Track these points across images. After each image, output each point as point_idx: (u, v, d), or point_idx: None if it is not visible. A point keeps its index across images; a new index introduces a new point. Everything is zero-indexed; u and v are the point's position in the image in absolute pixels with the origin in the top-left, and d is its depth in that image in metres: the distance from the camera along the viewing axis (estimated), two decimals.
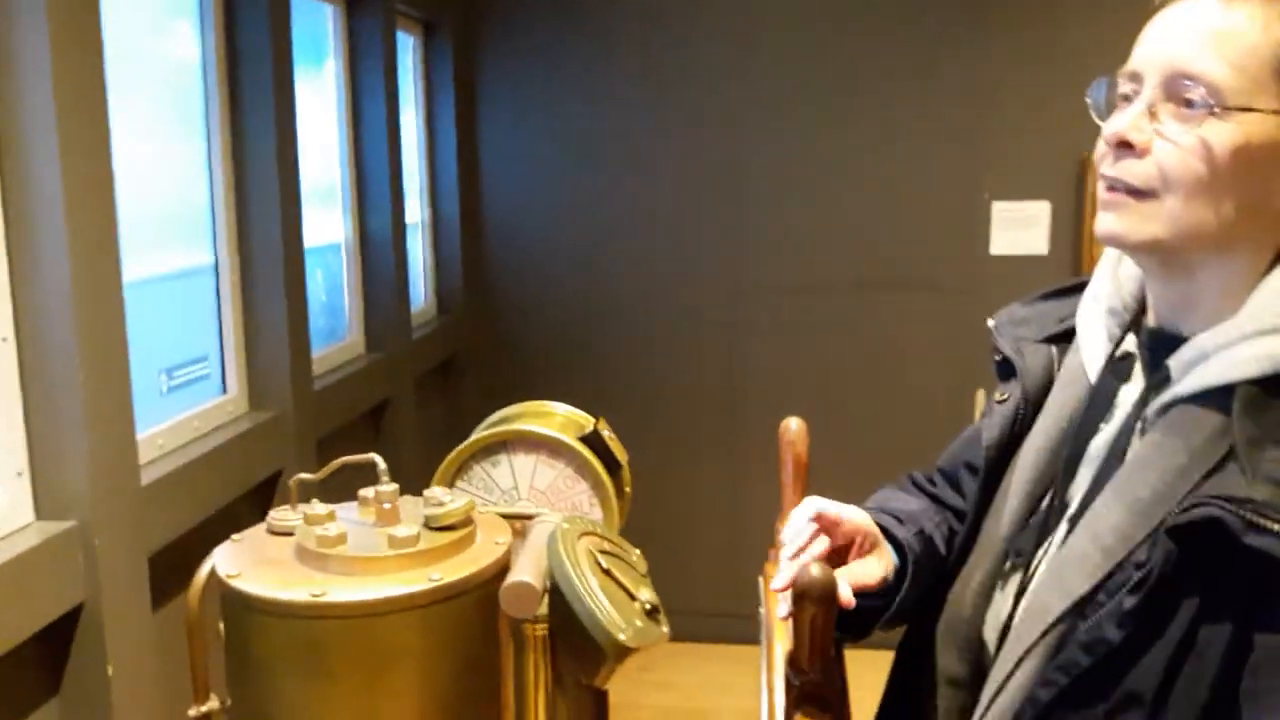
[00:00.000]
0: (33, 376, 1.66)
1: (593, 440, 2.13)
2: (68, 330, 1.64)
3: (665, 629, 1.36)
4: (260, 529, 1.40)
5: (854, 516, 1.17)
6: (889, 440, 3.14)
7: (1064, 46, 3.15)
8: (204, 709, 1.23)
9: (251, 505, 2.31)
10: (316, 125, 3.06)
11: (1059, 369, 1.13)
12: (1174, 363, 0.99)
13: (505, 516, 1.51)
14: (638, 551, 1.48)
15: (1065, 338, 1.15)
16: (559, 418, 2.30)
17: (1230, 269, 0.97)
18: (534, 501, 2.15)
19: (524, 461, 2.17)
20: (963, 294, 3.49)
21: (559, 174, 3.79)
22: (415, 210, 3.77)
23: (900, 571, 1.16)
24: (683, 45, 3.60)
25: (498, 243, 3.86)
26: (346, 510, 1.38)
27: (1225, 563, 0.86)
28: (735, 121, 3.59)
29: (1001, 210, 3.49)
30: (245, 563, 1.25)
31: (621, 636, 1.26)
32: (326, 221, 3.17)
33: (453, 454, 2.17)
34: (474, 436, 2.24)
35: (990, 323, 1.24)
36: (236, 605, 1.19)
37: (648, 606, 1.32)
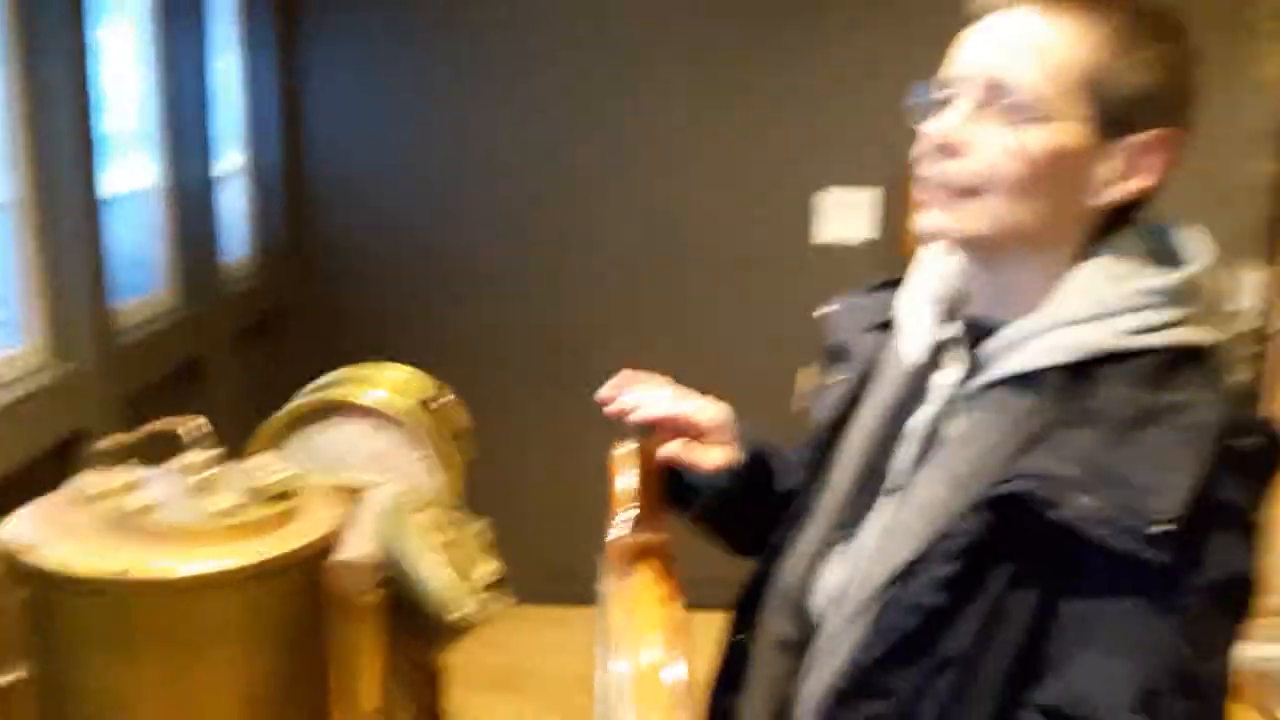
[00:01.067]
0: None
1: (431, 405, 2.07)
2: None
3: (507, 600, 1.33)
4: (62, 495, 1.28)
5: (707, 409, 1.28)
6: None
7: (890, 37, 3.22)
8: (3, 681, 1.11)
9: (51, 468, 2.12)
10: (122, 62, 2.83)
11: (884, 355, 1.18)
12: (990, 349, 1.04)
13: (337, 487, 1.44)
14: (481, 522, 1.43)
15: (891, 326, 1.19)
16: (393, 381, 2.20)
17: (1042, 263, 1.02)
18: (366, 470, 2.06)
19: (354, 428, 2.07)
20: (788, 279, 3.56)
21: (391, 117, 3.60)
22: (235, 157, 3.55)
23: (735, 472, 1.26)
24: (525, 23, 3.50)
25: (325, 190, 3.65)
26: (161, 477, 1.28)
27: (1033, 534, 0.92)
28: (570, 75, 3.51)
29: (827, 198, 3.56)
30: (45, 532, 1.14)
31: (461, 613, 1.22)
32: (132, 167, 2.93)
33: (276, 418, 2.05)
34: (300, 400, 2.13)
35: (823, 310, 1.28)
36: (35, 578, 1.09)
37: (489, 579, 1.29)
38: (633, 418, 1.24)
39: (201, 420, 1.26)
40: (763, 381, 3.30)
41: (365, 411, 1.84)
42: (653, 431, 1.24)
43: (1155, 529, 0.85)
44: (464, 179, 3.56)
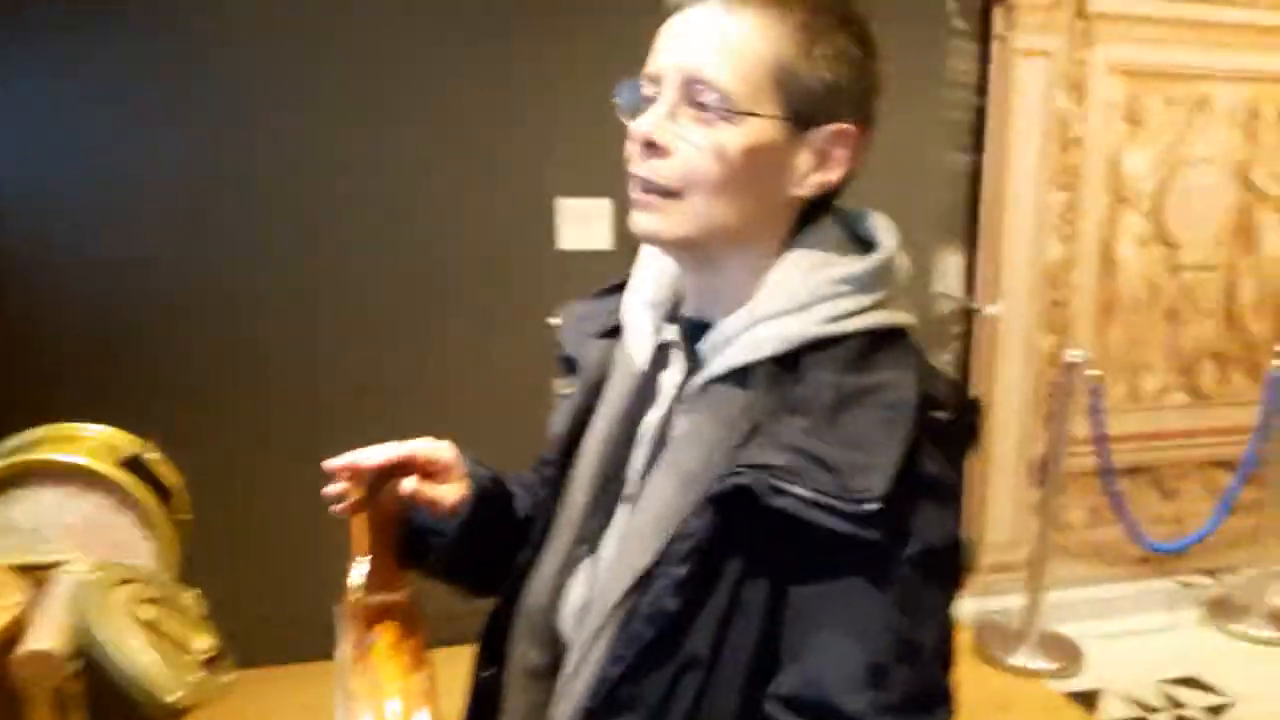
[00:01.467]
0: None
1: (136, 465, 1.87)
2: None
3: (229, 677, 1.20)
4: None
5: (438, 448, 1.20)
6: (476, 437, 3.04)
7: (621, 47, 3.26)
8: None
9: None
10: None
11: (616, 361, 1.18)
12: (704, 347, 1.07)
13: (20, 568, 1.25)
14: (193, 592, 1.29)
15: (619, 331, 1.20)
16: (91, 441, 1.98)
17: (749, 260, 1.05)
18: (68, 541, 1.84)
19: (48, 496, 1.84)
20: (534, 288, 3.52)
21: (82, 146, 3.24)
22: None
23: (471, 504, 1.20)
24: (226, 28, 3.26)
25: (17, 236, 3.24)
26: None
27: (759, 526, 0.94)
28: (294, 103, 3.31)
29: (567, 207, 3.56)
30: None
31: (171, 698, 1.09)
32: None
33: None
34: None
35: (553, 320, 1.28)
36: None
37: (204, 656, 1.16)
38: (364, 465, 1.14)
39: None
40: (514, 395, 3.24)
41: (61, 475, 1.64)
42: (384, 481, 1.16)
43: (866, 508, 0.89)
44: (166, 215, 3.26)
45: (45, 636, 0.99)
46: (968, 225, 3.88)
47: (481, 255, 3.53)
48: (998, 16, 3.68)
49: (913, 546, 0.93)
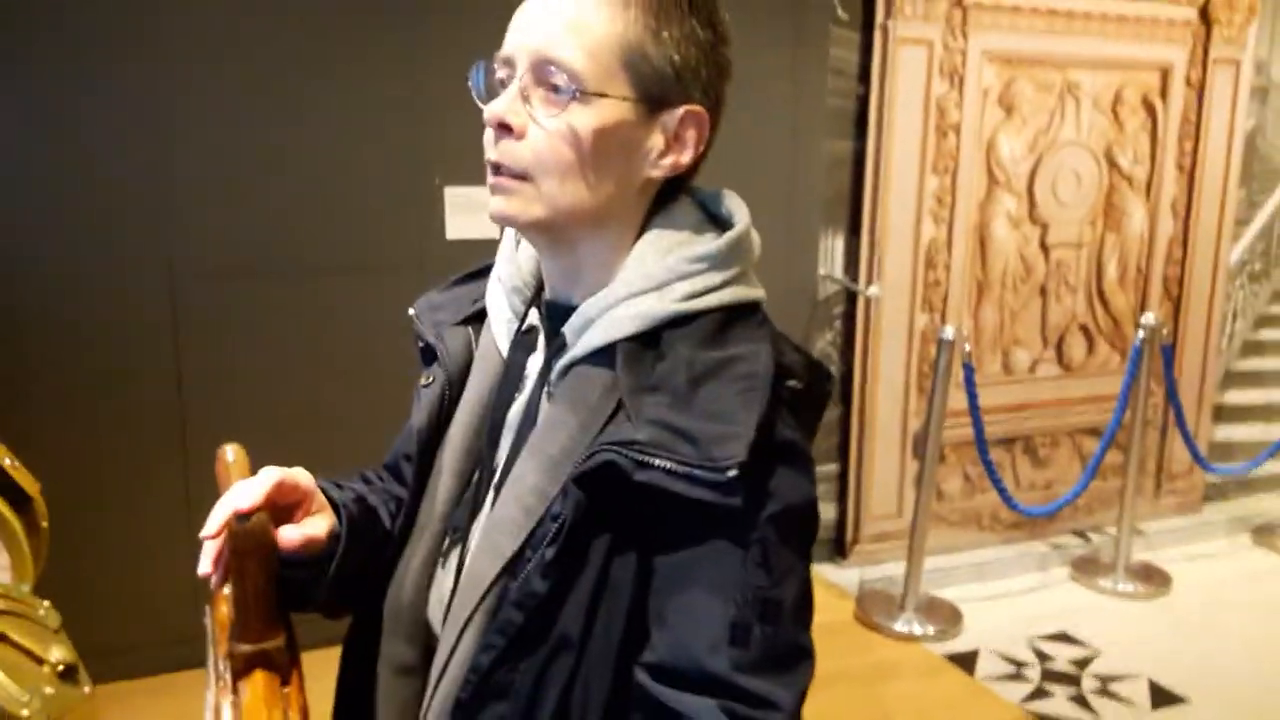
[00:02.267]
0: None
1: None
2: None
3: (86, 688, 1.17)
4: None
5: (298, 474, 1.11)
6: (349, 431, 3.00)
7: (500, 30, 3.24)
8: None
9: None
10: None
11: (477, 349, 1.18)
12: (567, 330, 1.07)
13: None
14: (45, 604, 1.25)
15: (480, 318, 1.20)
16: None
17: (607, 242, 1.06)
18: None
19: None
20: (421, 278, 3.45)
21: None
22: None
23: (338, 535, 1.13)
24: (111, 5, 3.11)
25: None
26: None
27: (624, 502, 0.95)
28: (165, 92, 3.17)
29: (454, 195, 3.52)
30: None
31: (24, 712, 1.06)
32: None
33: None
34: None
35: (411, 311, 1.27)
36: None
37: (60, 668, 1.13)
38: (242, 511, 1.02)
39: None
40: (401, 390, 3.20)
41: None
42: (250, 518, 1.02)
43: (729, 475, 0.90)
44: (34, 207, 3.11)
45: None
46: (852, 210, 3.97)
47: (368, 243, 3.46)
48: (879, 6, 3.75)
49: (771, 508, 0.95)
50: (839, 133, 3.87)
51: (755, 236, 1.11)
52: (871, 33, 3.79)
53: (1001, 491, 3.98)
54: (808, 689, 0.98)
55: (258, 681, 1.03)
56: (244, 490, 1.04)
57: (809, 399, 1.06)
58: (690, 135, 1.04)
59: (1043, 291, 4.31)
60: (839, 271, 4.00)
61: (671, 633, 0.95)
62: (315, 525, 1.11)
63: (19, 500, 1.60)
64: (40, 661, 1.05)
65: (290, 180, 3.32)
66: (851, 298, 4.03)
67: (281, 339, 3.36)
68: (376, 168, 3.41)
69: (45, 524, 1.73)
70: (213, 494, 1.08)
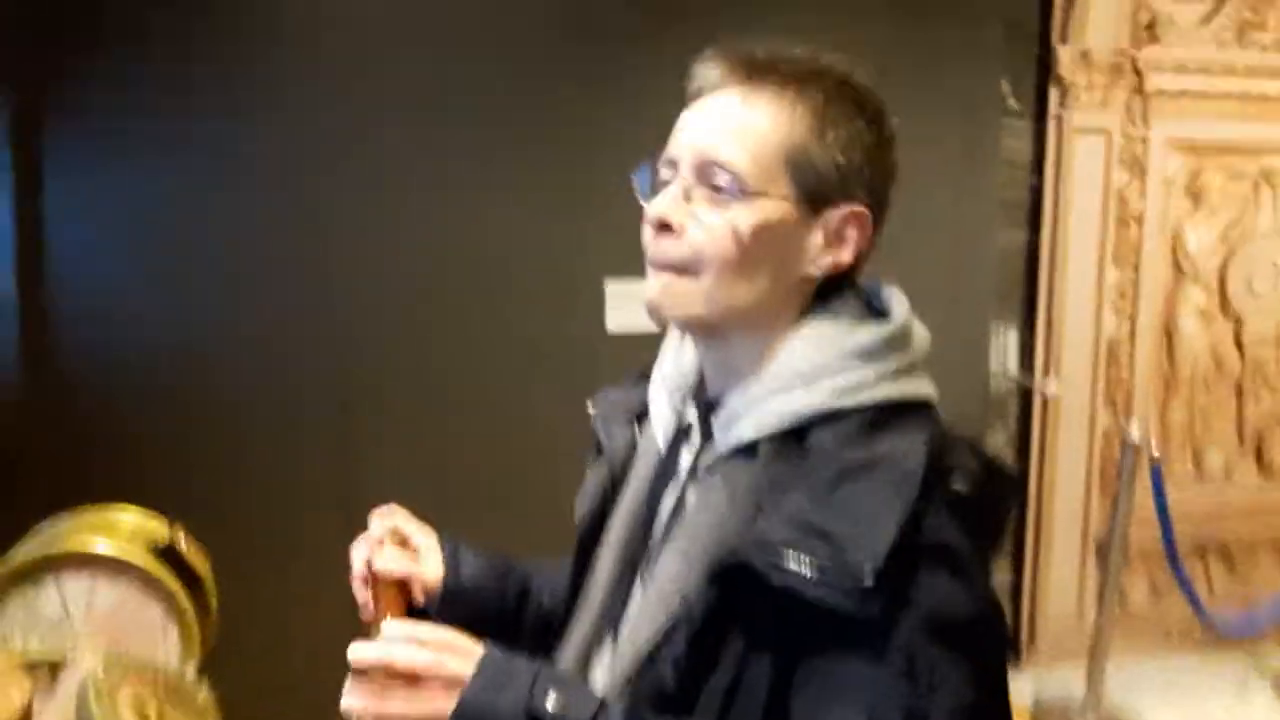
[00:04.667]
0: None
1: (168, 553, 1.88)
2: None
3: None
4: None
5: (422, 537, 1.27)
6: (517, 526, 3.01)
7: (664, 127, 3.30)
8: None
9: None
10: None
11: (643, 444, 1.20)
12: (715, 425, 1.07)
13: (28, 664, 1.26)
14: (203, 688, 1.29)
15: (647, 414, 1.22)
16: (124, 527, 2.00)
17: (761, 337, 1.06)
18: (95, 629, 1.84)
19: (77, 585, 1.84)
20: (582, 371, 3.49)
21: (141, 244, 3.33)
22: None
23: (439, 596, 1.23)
24: (272, 108, 3.32)
25: (66, 324, 3.32)
26: None
27: (761, 602, 0.93)
28: (330, 191, 3.34)
29: (615, 288, 3.57)
30: None
31: None
32: None
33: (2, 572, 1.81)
34: (17, 555, 1.90)
35: (590, 407, 1.31)
36: None
37: None
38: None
39: None
40: (564, 479, 3.22)
41: (88, 564, 1.65)
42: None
43: (865, 583, 0.88)
44: (211, 302, 3.30)
45: None
46: (1026, 304, 3.82)
47: (529, 337, 3.53)
48: (1053, 96, 3.66)
49: (916, 615, 0.92)
50: (1012, 223, 3.77)
51: (920, 330, 1.08)
52: (1045, 122, 3.69)
53: (1195, 603, 3.69)
54: None
55: None
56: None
57: (982, 504, 1.01)
58: (852, 234, 1.05)
59: (1238, 390, 4.03)
60: (1013, 368, 3.85)
61: None
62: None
63: (191, 581, 1.67)
64: None
65: (456, 271, 3.44)
66: (1026, 395, 3.86)
67: (446, 434, 3.45)
68: (540, 259, 3.49)
69: (215, 604, 1.80)
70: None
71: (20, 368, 3.29)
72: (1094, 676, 3.59)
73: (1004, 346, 3.84)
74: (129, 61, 3.20)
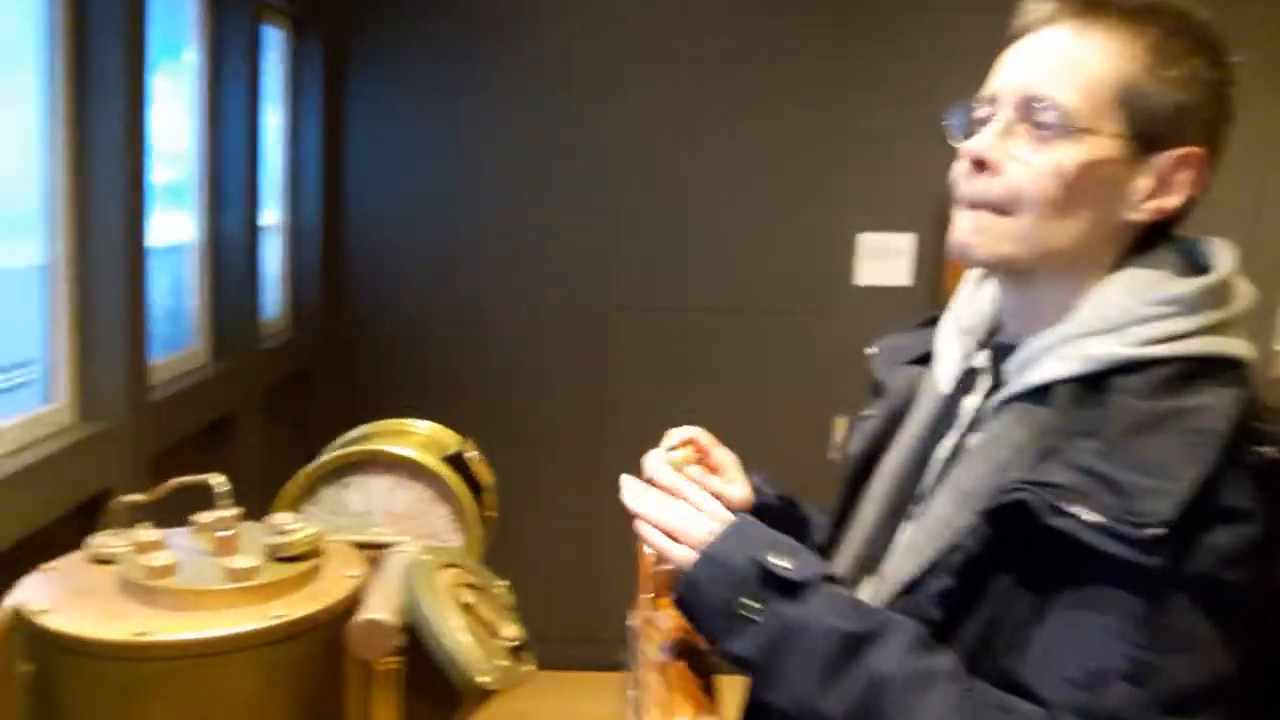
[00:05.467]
0: None
1: (456, 461, 2.03)
2: None
3: (530, 667, 1.28)
4: (77, 556, 1.26)
5: (724, 454, 1.28)
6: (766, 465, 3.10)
7: (925, 84, 3.24)
8: None
9: (74, 528, 2.10)
10: (168, 114, 2.86)
11: (921, 388, 1.19)
12: (1009, 366, 1.06)
13: (358, 546, 1.40)
14: (503, 583, 1.39)
15: (929, 359, 1.21)
16: (419, 436, 2.17)
17: (1071, 282, 1.03)
18: (389, 526, 2.03)
19: (379, 483, 2.03)
20: (827, 323, 3.53)
21: (429, 180, 3.65)
22: (273, 213, 3.58)
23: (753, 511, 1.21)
24: (558, 57, 3.54)
25: (361, 250, 3.69)
26: (180, 536, 1.25)
27: (1032, 543, 0.92)
28: (608, 135, 3.55)
29: (867, 242, 3.55)
30: (59, 595, 1.11)
31: (483, 679, 1.17)
32: (168, 221, 2.96)
33: (300, 475, 2.02)
34: (325, 456, 2.10)
35: (869, 350, 1.30)
36: (44, 644, 1.06)
37: (512, 644, 1.24)
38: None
39: (221, 478, 1.24)
40: (805, 428, 3.26)
41: (391, 465, 1.82)
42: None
43: (1149, 533, 0.86)
44: (493, 241, 3.60)
45: (379, 607, 1.11)
46: None
47: (779, 289, 3.60)
48: None
49: (1190, 571, 0.89)
50: None
51: (1244, 288, 1.03)
52: None
53: None
54: None
55: (680, 662, 1.09)
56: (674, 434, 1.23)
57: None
58: (1182, 179, 1.01)
59: None
60: None
61: (1036, 652, 0.93)
62: (725, 487, 1.24)
63: (476, 490, 1.81)
64: (496, 635, 1.17)
65: (711, 220, 3.55)
66: None
67: (693, 367, 3.59)
68: (793, 212, 3.54)
69: (494, 515, 1.93)
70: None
71: (320, 294, 3.65)
72: None
73: None
74: (425, 14, 3.48)
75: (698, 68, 3.51)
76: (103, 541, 1.27)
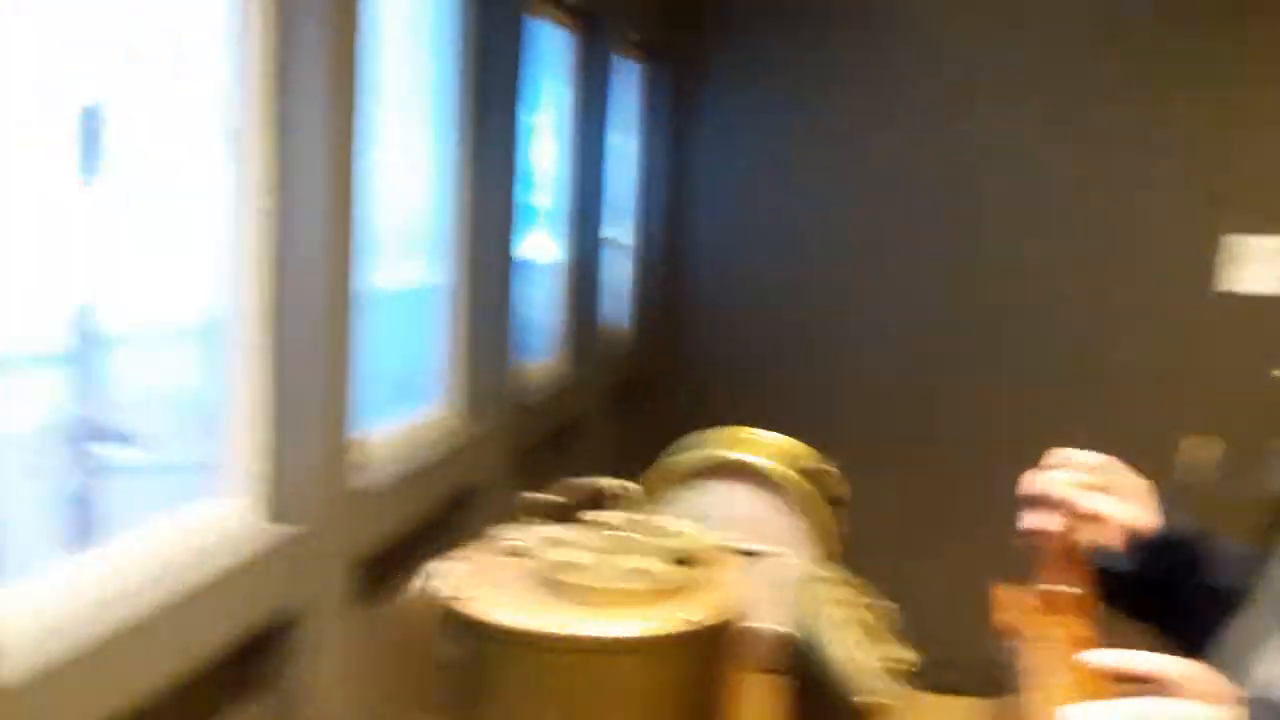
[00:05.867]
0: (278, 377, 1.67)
1: (812, 476, 2.06)
2: (316, 339, 1.65)
3: (910, 689, 1.28)
4: (486, 547, 1.39)
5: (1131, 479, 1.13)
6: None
7: None
8: None
9: (449, 517, 2.31)
10: (543, 148, 3.14)
11: None
12: None
13: (738, 552, 1.46)
14: (890, 605, 1.39)
15: None
16: (777, 447, 2.22)
17: None
18: (743, 533, 2.08)
19: (736, 490, 2.10)
20: (1184, 331, 3.25)
21: (772, 201, 3.76)
22: (624, 232, 3.82)
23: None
24: (910, 80, 3.50)
25: (704, 267, 3.87)
26: (575, 533, 1.35)
27: None
28: (958, 152, 3.48)
29: (1236, 244, 3.24)
30: (475, 584, 1.23)
31: (869, 696, 1.19)
32: (543, 241, 3.24)
33: (666, 472, 2.10)
34: (689, 456, 2.18)
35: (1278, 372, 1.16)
36: (468, 629, 1.18)
37: (899, 665, 1.25)
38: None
39: (617, 481, 1.33)
40: (1139, 444, 3.05)
41: (749, 474, 1.87)
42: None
43: None
44: (836, 259, 3.64)
45: (774, 618, 1.14)
46: None
47: (1131, 292, 3.40)
48: None
49: None
50: None
51: None
52: None
53: None
54: None
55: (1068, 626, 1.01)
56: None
57: None
58: None
59: None
60: None
61: None
62: (1121, 511, 1.09)
63: (835, 504, 1.82)
64: (885, 656, 1.18)
65: (1067, 225, 3.42)
66: None
67: (1048, 375, 3.46)
68: (1155, 213, 3.35)
69: (844, 529, 1.94)
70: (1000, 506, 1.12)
71: (662, 305, 3.84)
72: None
73: None
74: (770, 47, 3.60)
75: (1058, 65, 3.36)
76: (508, 535, 1.37)
